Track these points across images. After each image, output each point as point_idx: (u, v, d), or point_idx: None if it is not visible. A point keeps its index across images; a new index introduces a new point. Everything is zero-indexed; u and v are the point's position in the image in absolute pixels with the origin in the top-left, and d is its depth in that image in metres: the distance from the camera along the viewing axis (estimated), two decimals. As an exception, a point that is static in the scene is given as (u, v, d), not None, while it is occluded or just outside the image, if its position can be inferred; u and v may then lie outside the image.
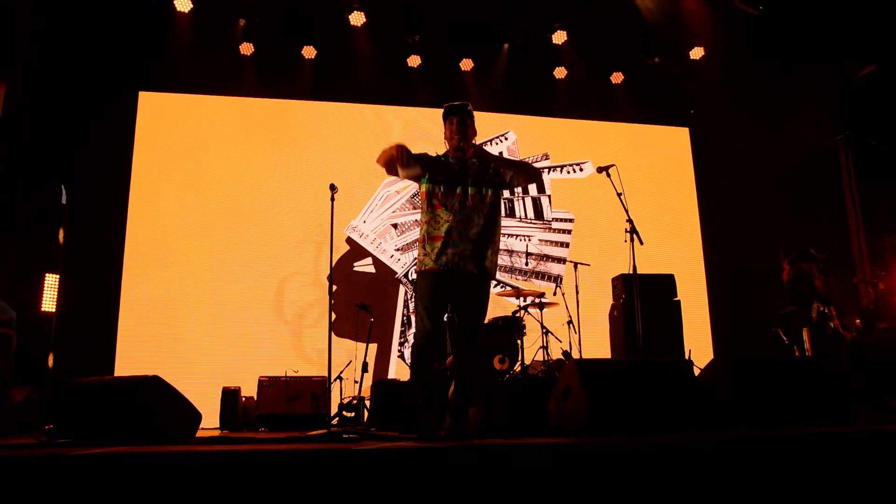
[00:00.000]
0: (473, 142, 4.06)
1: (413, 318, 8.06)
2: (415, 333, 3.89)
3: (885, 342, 6.27)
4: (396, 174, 4.00)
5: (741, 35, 8.43)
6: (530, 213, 8.82)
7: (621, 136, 9.38)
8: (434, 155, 4.11)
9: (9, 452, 2.48)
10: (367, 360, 6.61)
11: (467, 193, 3.92)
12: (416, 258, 3.98)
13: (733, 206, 9.06)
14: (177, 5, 7.80)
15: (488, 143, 8.87)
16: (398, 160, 3.77)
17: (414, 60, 8.72)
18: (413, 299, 3.64)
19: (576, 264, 7.26)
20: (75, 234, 7.68)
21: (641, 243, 5.25)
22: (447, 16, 8.27)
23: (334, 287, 6.52)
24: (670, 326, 6.36)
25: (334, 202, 5.27)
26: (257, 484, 2.20)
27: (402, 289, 8.27)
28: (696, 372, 4.43)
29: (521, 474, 2.32)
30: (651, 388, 3.67)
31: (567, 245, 8.77)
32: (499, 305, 7.84)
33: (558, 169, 9.05)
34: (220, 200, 8.16)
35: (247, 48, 8.35)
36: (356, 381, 6.58)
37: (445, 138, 4.13)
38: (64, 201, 7.77)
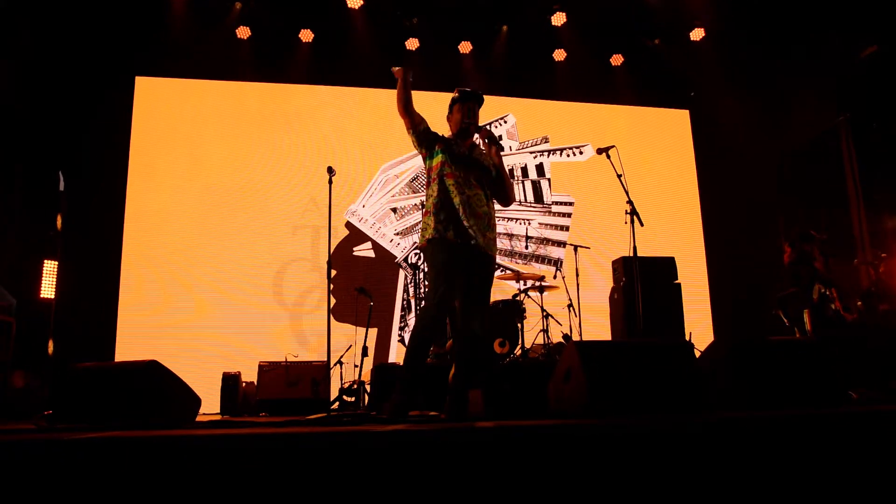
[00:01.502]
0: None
1: (413, 303, 8.06)
2: (424, 309, 3.80)
3: (886, 324, 6.28)
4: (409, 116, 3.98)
5: (742, 16, 8.37)
6: (530, 197, 8.79)
7: (621, 118, 9.33)
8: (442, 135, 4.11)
9: (8, 437, 2.48)
10: (367, 345, 6.61)
11: (478, 175, 3.94)
12: (424, 228, 3.88)
13: (734, 188, 9.03)
14: (172, -11, 7.74)
15: (487, 126, 8.83)
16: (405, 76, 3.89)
17: (412, 43, 8.67)
18: (424, 272, 3.53)
19: (576, 247, 7.24)
20: (73, 220, 7.67)
21: (642, 225, 5.22)
22: (445, -2, 8.22)
23: (334, 272, 6.52)
24: (671, 309, 6.36)
25: (332, 186, 5.24)
26: (257, 467, 2.19)
27: (401, 273, 8.26)
28: (697, 354, 4.42)
29: (520, 457, 2.31)
30: (651, 371, 3.67)
31: (567, 228, 8.75)
32: (499, 289, 7.83)
33: (558, 152, 9.02)
34: (218, 185, 8.13)
35: (243, 32, 8.29)
36: (356, 366, 6.59)
37: (453, 121, 4.11)
38: (62, 188, 7.75)
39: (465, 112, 4.05)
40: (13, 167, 7.32)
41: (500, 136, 8.86)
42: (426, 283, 3.95)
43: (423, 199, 4.08)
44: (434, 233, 3.81)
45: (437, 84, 8.34)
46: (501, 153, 4.13)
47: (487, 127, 8.27)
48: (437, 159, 3.96)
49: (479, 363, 3.88)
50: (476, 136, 4.11)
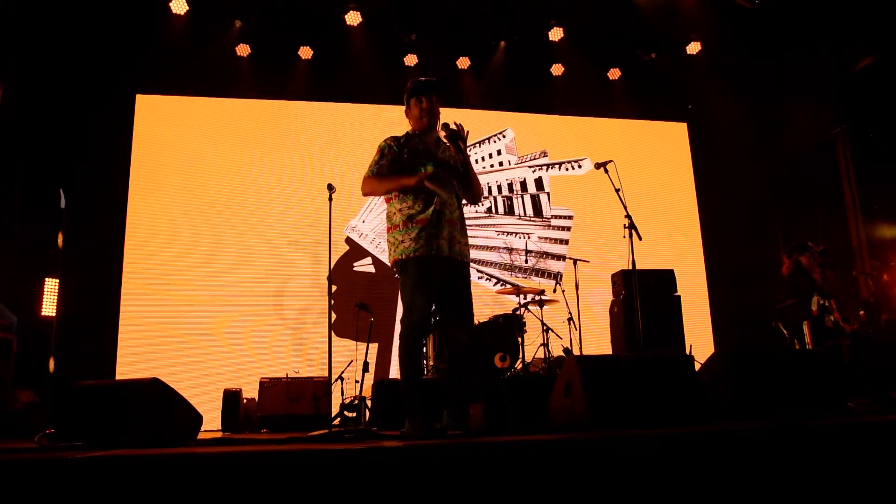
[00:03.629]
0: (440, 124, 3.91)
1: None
2: (402, 326, 3.70)
3: (886, 334, 6.28)
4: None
5: (738, 29, 8.44)
6: (529, 211, 8.82)
7: (619, 132, 9.38)
8: (402, 137, 3.91)
9: (10, 456, 2.48)
10: (368, 360, 6.60)
11: (444, 175, 3.79)
12: (393, 244, 3.76)
13: (732, 200, 9.06)
14: (172, 7, 7.79)
15: (486, 141, 8.87)
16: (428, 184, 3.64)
17: (410, 59, 8.72)
18: (400, 290, 3.36)
19: (575, 261, 7.26)
20: (74, 238, 7.69)
21: (640, 239, 5.25)
22: (443, 14, 8.27)
23: (334, 287, 6.53)
24: (671, 321, 6.36)
25: (332, 202, 5.26)
26: (259, 485, 2.20)
27: (402, 288, 8.26)
28: (697, 366, 4.43)
29: (522, 471, 2.32)
30: (652, 384, 3.67)
31: (566, 242, 8.77)
32: (499, 303, 7.85)
33: (557, 166, 9.05)
34: (218, 202, 8.16)
35: (243, 49, 8.35)
36: (357, 381, 6.58)
37: (412, 117, 3.92)
38: (62, 205, 7.77)
39: (421, 106, 3.85)
40: (14, 185, 7.35)
41: (500, 151, 8.90)
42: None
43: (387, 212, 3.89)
44: (411, 250, 3.66)
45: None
46: (467, 148, 3.87)
47: (486, 141, 8.26)
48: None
49: (473, 373, 3.84)
50: (440, 131, 3.88)
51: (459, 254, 3.78)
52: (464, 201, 3.99)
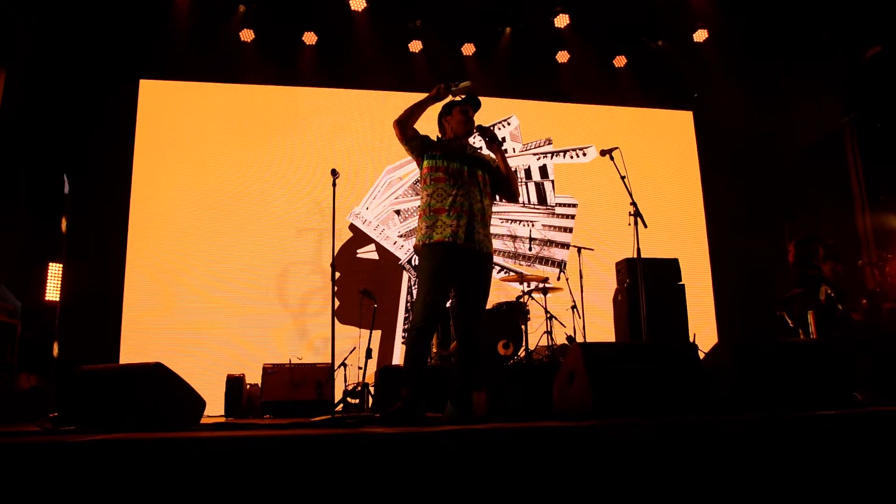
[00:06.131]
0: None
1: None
2: (413, 318, 3.80)
3: (891, 324, 6.26)
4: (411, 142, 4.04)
5: (745, 17, 8.36)
6: (534, 198, 8.78)
7: (625, 120, 9.32)
8: (434, 138, 4.16)
9: (14, 440, 2.48)
10: (371, 347, 6.62)
11: (472, 170, 3.97)
12: (418, 230, 3.95)
13: (738, 190, 9.02)
14: (176, -8, 7.76)
15: (490, 127, 8.82)
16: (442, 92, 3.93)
17: (415, 45, 8.67)
18: (415, 281, 3.52)
19: (579, 249, 7.24)
20: (78, 223, 7.68)
21: (645, 227, 5.23)
22: (449, 0, 8.21)
23: (337, 274, 6.53)
24: (675, 310, 6.35)
25: (336, 188, 5.25)
26: (261, 469, 2.20)
27: (405, 275, 8.27)
28: (701, 355, 4.42)
29: (524, 458, 2.31)
30: (655, 372, 3.67)
31: (570, 230, 8.75)
32: (503, 291, 7.84)
33: (561, 154, 9.01)
34: (222, 188, 8.15)
35: (247, 34, 8.30)
36: (360, 368, 6.59)
37: (455, 122, 4.15)
38: (66, 191, 7.77)
39: (467, 115, 4.12)
40: (18, 170, 7.34)
41: (504, 138, 8.86)
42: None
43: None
44: (426, 237, 3.83)
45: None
46: (504, 149, 4.20)
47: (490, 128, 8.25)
48: (427, 163, 4.00)
49: (475, 364, 3.88)
50: (476, 136, 4.17)
51: (478, 243, 3.86)
52: (496, 198, 4.24)
